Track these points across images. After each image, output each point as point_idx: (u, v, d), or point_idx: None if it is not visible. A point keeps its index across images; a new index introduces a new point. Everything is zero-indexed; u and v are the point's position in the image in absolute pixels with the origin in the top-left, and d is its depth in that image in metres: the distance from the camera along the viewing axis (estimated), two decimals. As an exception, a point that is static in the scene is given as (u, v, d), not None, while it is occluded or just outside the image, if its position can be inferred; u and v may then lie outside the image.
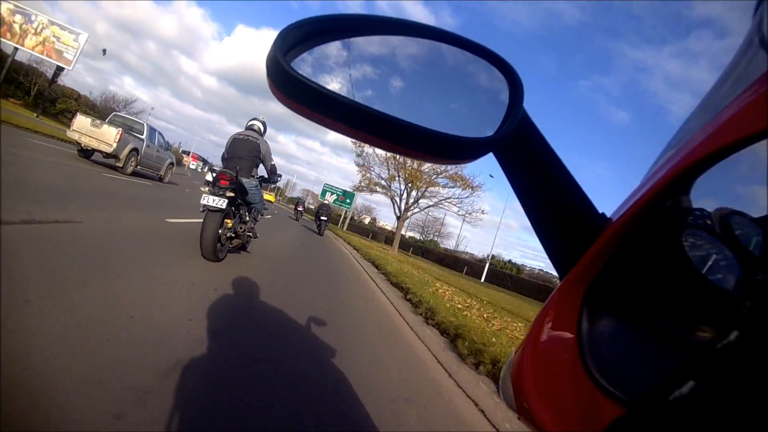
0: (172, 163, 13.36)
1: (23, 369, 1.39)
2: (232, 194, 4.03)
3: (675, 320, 0.32)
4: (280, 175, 5.04)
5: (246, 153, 4.42)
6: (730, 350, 0.19)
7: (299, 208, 22.27)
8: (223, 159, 4.56)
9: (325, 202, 18.16)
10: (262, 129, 4.76)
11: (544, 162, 0.40)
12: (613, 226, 0.34)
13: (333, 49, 0.41)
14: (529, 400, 0.35)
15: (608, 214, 0.38)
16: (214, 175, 4.08)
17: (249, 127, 4.71)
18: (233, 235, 4.37)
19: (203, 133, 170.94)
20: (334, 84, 0.38)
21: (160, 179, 12.85)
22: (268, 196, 33.34)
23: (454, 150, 0.38)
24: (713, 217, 0.36)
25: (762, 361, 0.17)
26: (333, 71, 0.41)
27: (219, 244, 4.01)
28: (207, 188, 4.07)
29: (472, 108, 0.45)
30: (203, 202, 3.87)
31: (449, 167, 21.46)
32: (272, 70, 0.35)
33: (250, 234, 4.78)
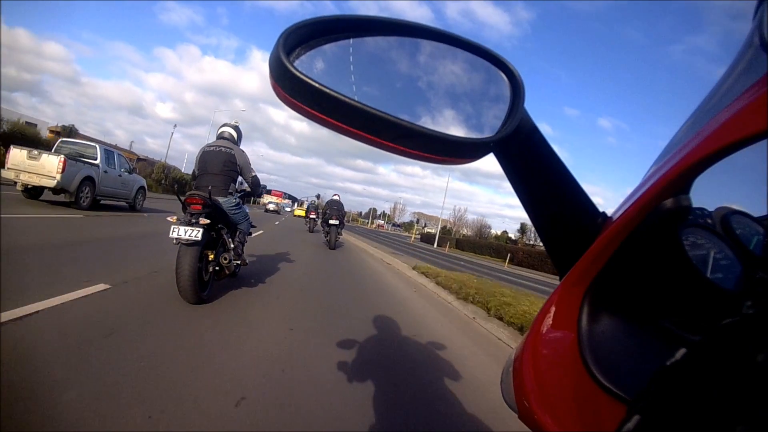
0: (142, 187, 11.49)
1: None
2: (207, 221, 3.17)
3: (676, 319, 0.32)
4: (265, 186, 4.24)
5: (219, 167, 3.60)
6: (731, 348, 0.19)
7: (311, 216, 16.95)
8: (194, 177, 3.74)
9: (335, 198, 11.54)
10: (235, 136, 3.90)
11: (544, 162, 0.40)
12: (613, 225, 0.34)
13: (335, 49, 0.41)
14: (530, 400, 0.35)
15: (608, 213, 0.39)
16: (183, 198, 3.28)
17: (220, 136, 3.88)
18: (218, 268, 3.50)
19: (305, 178, 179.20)
20: (336, 84, 0.36)
21: (132, 207, 11.03)
22: (299, 212, 30.22)
23: (455, 150, 0.39)
24: (714, 217, 0.38)
25: (763, 359, 0.17)
26: (335, 71, 0.41)
27: (201, 284, 3.23)
28: (174, 217, 3.14)
29: (473, 109, 0.45)
30: (173, 234, 3.03)
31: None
32: (275, 70, 0.35)
33: (238, 262, 3.78)
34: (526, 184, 0.41)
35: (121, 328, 2.44)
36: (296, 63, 0.36)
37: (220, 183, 3.57)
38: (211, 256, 3.39)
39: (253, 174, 3.87)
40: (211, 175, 3.58)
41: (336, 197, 11.62)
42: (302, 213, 32.64)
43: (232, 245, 3.67)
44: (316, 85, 0.34)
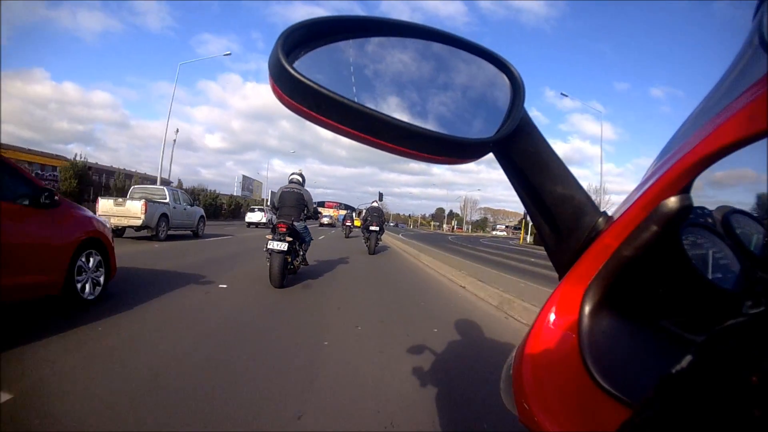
0: (202, 216, 13.35)
1: None
2: (291, 239, 5.10)
3: (676, 319, 0.32)
4: (320, 212, 6.53)
5: (294, 202, 5.59)
6: (731, 349, 0.19)
7: (347, 223, 19.70)
8: (274, 207, 5.74)
9: (374, 204, 12.33)
10: (302, 180, 5.97)
11: (544, 162, 0.41)
12: (614, 224, 0.34)
13: (335, 50, 0.41)
14: (530, 401, 0.35)
15: (609, 213, 0.40)
16: (274, 223, 5.28)
17: (291, 181, 5.95)
18: (293, 268, 5.49)
19: (361, 188, 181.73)
20: (335, 85, 0.36)
21: (196, 234, 12.86)
22: (356, 222, 33.52)
23: (455, 150, 0.39)
24: (714, 216, 0.39)
25: (763, 359, 0.17)
26: (335, 72, 0.41)
27: (282, 276, 5.13)
28: (270, 235, 5.15)
29: (473, 109, 0.45)
30: (269, 246, 5.01)
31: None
32: (275, 71, 0.36)
33: (304, 263, 6.04)
34: (526, 183, 0.42)
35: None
36: (296, 64, 0.36)
37: (294, 213, 5.53)
38: (289, 260, 5.27)
39: (314, 206, 5.96)
40: (289, 207, 5.56)
41: (375, 204, 12.19)
42: (358, 223, 35.54)
43: (301, 253, 5.78)
44: (315, 86, 0.34)
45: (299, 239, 5.61)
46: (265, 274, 5.26)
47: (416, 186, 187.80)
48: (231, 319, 3.56)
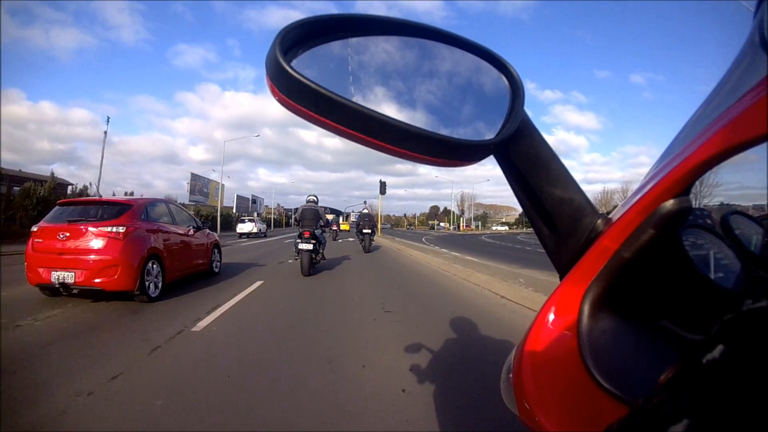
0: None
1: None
2: (314, 241, 7.74)
3: (676, 319, 0.34)
4: (330, 222, 10.09)
5: (312, 216, 8.28)
6: (732, 349, 0.19)
7: (333, 227, 22.70)
8: (296, 220, 8.39)
9: (365, 211, 15.07)
10: (316, 200, 8.68)
11: (544, 163, 0.42)
12: (613, 225, 0.35)
13: (333, 49, 0.42)
14: (530, 401, 0.36)
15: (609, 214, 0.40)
16: (301, 230, 7.81)
17: (308, 200, 8.66)
18: (315, 262, 8.12)
19: (347, 192, 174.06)
20: (333, 85, 0.37)
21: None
22: (344, 226, 35.04)
23: (455, 153, 0.39)
24: (713, 217, 0.40)
25: (763, 359, 0.17)
26: (333, 72, 0.42)
27: (310, 268, 7.67)
28: (299, 240, 7.73)
29: (473, 110, 0.46)
30: (299, 247, 7.58)
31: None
32: (272, 70, 0.36)
33: (323, 259, 8.86)
34: (527, 185, 0.42)
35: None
36: (293, 63, 0.36)
37: (313, 224, 8.17)
38: (313, 256, 7.86)
39: (326, 218, 8.69)
40: (308, 219, 8.21)
41: (366, 210, 15.04)
42: (346, 227, 34.28)
43: (320, 251, 8.46)
44: (313, 85, 0.34)
45: (318, 242, 8.03)
46: (289, 269, 8.36)
47: (402, 187, 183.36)
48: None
